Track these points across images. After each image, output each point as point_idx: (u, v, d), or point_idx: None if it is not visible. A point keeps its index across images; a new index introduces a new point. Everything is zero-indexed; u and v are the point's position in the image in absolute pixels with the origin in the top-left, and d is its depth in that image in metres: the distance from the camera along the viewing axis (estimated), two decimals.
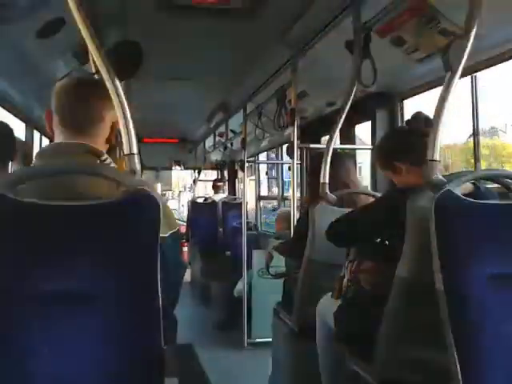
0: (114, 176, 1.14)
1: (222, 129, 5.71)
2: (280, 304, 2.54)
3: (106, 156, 1.35)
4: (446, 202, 1.20)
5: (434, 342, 1.34)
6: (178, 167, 8.05)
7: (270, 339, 2.77)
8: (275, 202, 6.16)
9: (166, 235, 1.36)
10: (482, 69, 2.28)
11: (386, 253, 1.62)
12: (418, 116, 1.67)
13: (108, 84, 1.24)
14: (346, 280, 1.76)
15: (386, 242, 1.69)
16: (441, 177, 1.30)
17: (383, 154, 1.74)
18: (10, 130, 2.08)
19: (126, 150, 1.22)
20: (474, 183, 1.54)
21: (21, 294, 1.05)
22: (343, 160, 2.38)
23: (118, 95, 1.23)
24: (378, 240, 1.73)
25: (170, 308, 1.49)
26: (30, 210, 1.07)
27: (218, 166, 7.86)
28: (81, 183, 1.18)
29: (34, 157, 1.33)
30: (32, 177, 1.11)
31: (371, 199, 2.26)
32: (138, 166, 1.24)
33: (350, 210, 2.00)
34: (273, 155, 6.31)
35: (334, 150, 2.36)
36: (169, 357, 1.11)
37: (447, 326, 1.16)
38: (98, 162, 1.32)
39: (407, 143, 1.58)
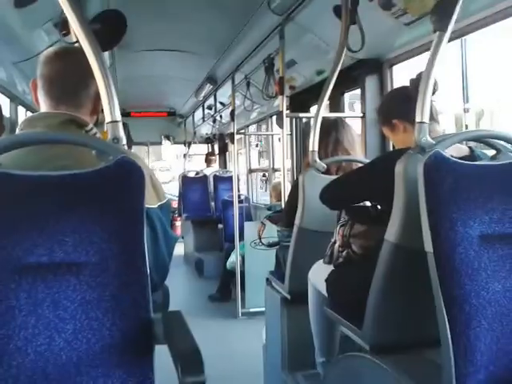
0: (96, 144, 1.12)
1: (210, 101, 5.65)
2: (272, 273, 2.55)
3: (91, 126, 1.33)
4: (434, 164, 1.19)
5: (423, 304, 1.35)
6: (167, 141, 8.00)
7: (264, 309, 2.80)
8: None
9: (155, 206, 1.34)
10: (471, 31, 2.24)
11: (378, 216, 1.62)
12: (420, 75, 1.64)
13: (88, 53, 1.22)
14: (337, 245, 1.76)
15: (378, 206, 1.68)
16: (429, 139, 1.29)
17: (383, 110, 1.74)
18: None
19: (107, 118, 1.20)
20: (469, 147, 1.53)
21: (6, 265, 1.04)
22: (348, 129, 2.36)
23: (99, 63, 1.20)
24: (370, 203, 1.73)
25: (161, 279, 1.49)
26: (10, 180, 1.05)
27: (208, 140, 7.81)
28: (62, 153, 1.16)
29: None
30: (11, 146, 1.09)
31: None
32: (121, 134, 1.21)
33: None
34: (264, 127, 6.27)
35: (327, 117, 2.34)
36: (157, 324, 1.11)
37: (437, 287, 1.17)
38: (84, 132, 1.30)
39: (406, 101, 1.56)
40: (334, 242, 1.78)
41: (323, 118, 2.27)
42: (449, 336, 1.13)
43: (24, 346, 1.05)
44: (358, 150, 2.37)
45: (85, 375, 1.08)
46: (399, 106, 1.66)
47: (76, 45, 1.95)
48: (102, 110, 1.40)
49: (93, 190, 1.10)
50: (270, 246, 2.84)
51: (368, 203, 1.76)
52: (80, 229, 1.08)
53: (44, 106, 1.34)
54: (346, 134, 2.32)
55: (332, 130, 2.28)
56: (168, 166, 12.07)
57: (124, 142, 1.26)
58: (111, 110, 1.19)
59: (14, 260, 1.04)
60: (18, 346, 1.05)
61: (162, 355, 1.09)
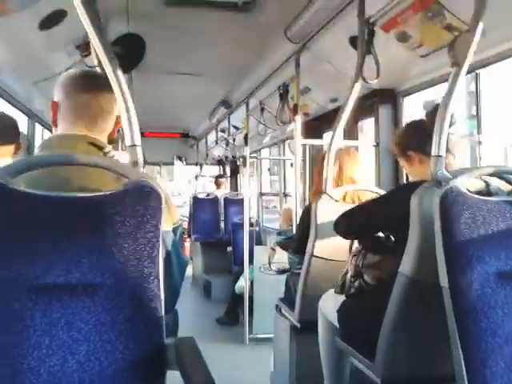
0: (116, 168, 1.13)
1: (224, 124, 5.70)
2: (282, 300, 2.53)
3: (109, 148, 1.35)
4: (450, 198, 1.19)
5: (437, 339, 1.33)
6: (180, 162, 8.04)
7: (272, 335, 2.77)
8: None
9: (169, 229, 1.35)
10: (486, 65, 2.26)
11: (391, 247, 1.61)
12: (437, 108, 1.65)
13: (110, 75, 1.24)
14: (349, 275, 1.75)
15: (391, 237, 1.68)
16: (446, 173, 1.29)
17: (400, 142, 1.75)
18: (15, 123, 2.07)
19: (128, 142, 1.21)
20: (485, 181, 1.53)
21: (22, 285, 1.05)
22: (353, 156, 2.37)
23: (120, 86, 1.22)
24: (383, 234, 1.72)
25: (172, 303, 1.49)
26: (30, 200, 1.07)
27: (220, 162, 7.85)
28: (80, 175, 1.18)
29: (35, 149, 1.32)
30: (32, 167, 1.10)
31: (375, 196, 2.25)
32: (140, 158, 1.23)
33: (352, 205, 1.99)
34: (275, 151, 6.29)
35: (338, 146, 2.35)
36: (170, 349, 1.11)
37: (452, 323, 1.15)
38: (102, 154, 1.32)
39: (422, 134, 1.57)
40: (346, 272, 1.77)
41: (327, 147, 2.28)
42: (464, 374, 1.11)
43: (37, 366, 1.05)
44: (363, 177, 2.37)
45: None
46: (415, 139, 1.66)
47: (97, 68, 2.00)
48: (118, 130, 1.42)
49: (111, 213, 1.11)
50: (280, 272, 2.83)
51: (381, 234, 1.75)
52: (96, 250, 1.09)
53: (64, 128, 1.35)
54: (350, 162, 2.32)
55: (335, 158, 2.28)
56: (180, 191, 12.04)
57: (142, 165, 1.27)
58: (132, 134, 1.21)
59: (30, 280, 1.05)
60: (32, 366, 1.05)
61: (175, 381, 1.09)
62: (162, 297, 1.13)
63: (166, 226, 1.29)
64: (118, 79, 1.23)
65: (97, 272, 1.08)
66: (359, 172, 2.33)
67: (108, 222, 1.11)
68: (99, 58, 1.27)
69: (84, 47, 2.54)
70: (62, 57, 2.73)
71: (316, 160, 2.98)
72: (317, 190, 2.32)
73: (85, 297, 1.08)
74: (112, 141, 1.43)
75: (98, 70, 1.91)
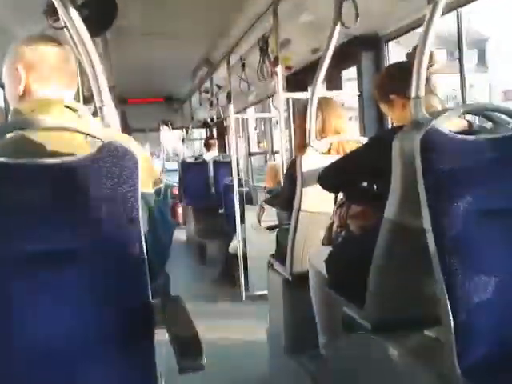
0: (86, 131, 1.10)
1: (207, 85, 5.60)
2: (273, 255, 2.55)
3: (83, 111, 1.31)
4: (431, 139, 1.17)
5: (424, 282, 1.34)
6: (165, 127, 7.95)
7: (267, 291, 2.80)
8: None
9: (151, 191, 1.33)
10: (467, 3, 2.20)
11: (374, 196, 1.61)
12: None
13: (77, 39, 1.20)
14: (335, 226, 1.75)
15: (374, 186, 1.67)
16: (426, 114, 1.27)
17: (380, 86, 1.71)
18: None
19: (98, 103, 1.18)
20: (468, 121, 1.50)
21: (4, 255, 1.03)
22: (335, 106, 2.33)
23: (87, 50, 1.19)
24: (366, 184, 1.72)
25: (161, 266, 1.48)
26: (1, 168, 1.04)
27: (206, 124, 7.77)
28: (53, 140, 1.14)
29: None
30: (3, 132, 1.07)
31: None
32: (113, 120, 1.20)
33: (337, 157, 1.97)
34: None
35: (321, 96, 2.31)
36: (157, 309, 1.11)
37: (436, 264, 1.16)
38: (77, 116, 1.28)
39: (404, 75, 1.53)
40: (332, 223, 1.77)
41: (305, 100, 2.25)
42: (450, 312, 1.13)
43: (24, 332, 1.05)
44: (347, 127, 2.34)
45: (86, 361, 1.09)
46: (397, 82, 1.62)
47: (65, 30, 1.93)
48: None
49: (85, 177, 1.08)
50: (270, 228, 2.84)
51: (364, 183, 1.75)
52: (74, 216, 1.08)
53: (37, 90, 1.31)
54: (334, 113, 2.29)
55: (317, 110, 2.25)
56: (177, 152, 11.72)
57: (117, 126, 1.24)
58: (100, 95, 1.18)
59: (9, 249, 1.04)
60: (18, 333, 1.05)
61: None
62: (145, 259, 1.12)
63: (147, 187, 1.27)
64: (83, 41, 1.20)
65: (76, 237, 1.07)
66: (343, 123, 2.30)
67: (84, 186, 1.08)
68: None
69: (52, 12, 2.44)
70: (30, 24, 2.63)
71: (297, 113, 2.93)
72: (300, 143, 2.29)
73: (66, 263, 1.07)
74: (84, 98, 1.40)
75: (66, 32, 1.85)
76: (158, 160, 9.41)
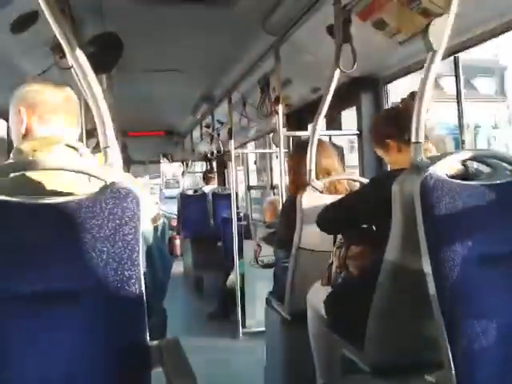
0: (90, 171, 1.11)
1: (208, 120, 5.67)
2: (272, 293, 2.53)
3: (84, 149, 1.33)
4: (430, 184, 1.19)
5: (424, 325, 1.33)
6: (166, 160, 8.00)
7: (264, 328, 2.77)
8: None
9: (150, 228, 1.34)
10: (465, 49, 2.26)
11: (373, 237, 1.61)
12: (413, 94, 1.65)
13: (82, 77, 1.22)
14: (334, 267, 1.75)
15: (373, 227, 1.68)
16: (425, 159, 1.29)
17: (376, 131, 1.74)
18: None
19: (102, 144, 1.19)
20: (464, 165, 1.53)
21: (3, 294, 1.03)
22: (326, 147, 2.37)
23: (92, 88, 1.20)
24: (365, 225, 1.72)
25: (159, 303, 1.48)
26: (2, 207, 1.04)
27: (206, 158, 7.82)
28: (55, 180, 1.16)
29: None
30: (4, 172, 1.08)
31: (356, 185, 2.25)
32: (116, 160, 1.21)
33: (335, 196, 1.99)
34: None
35: (319, 137, 2.34)
36: (154, 351, 1.10)
37: (437, 309, 1.15)
38: (79, 156, 1.30)
39: (399, 121, 1.56)
40: (332, 263, 1.77)
41: (298, 139, 2.28)
42: (450, 358, 1.12)
43: (20, 375, 1.03)
44: (338, 167, 2.37)
45: None
46: (392, 127, 1.65)
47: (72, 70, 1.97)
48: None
49: (88, 217, 1.09)
50: (267, 266, 2.83)
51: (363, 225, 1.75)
52: (75, 256, 1.08)
53: (39, 130, 1.34)
54: (324, 153, 2.32)
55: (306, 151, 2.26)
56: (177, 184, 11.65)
57: (120, 166, 1.26)
58: (105, 136, 1.19)
59: (6, 289, 1.03)
60: (15, 376, 1.03)
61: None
62: (144, 299, 1.11)
63: (145, 225, 1.28)
64: (89, 81, 1.21)
65: (76, 278, 1.07)
66: (333, 163, 2.33)
67: (85, 227, 1.09)
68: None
69: (59, 49, 2.50)
70: (37, 60, 2.69)
71: (291, 153, 2.96)
72: (294, 183, 2.31)
73: (65, 303, 1.06)
74: (98, 142, 1.42)
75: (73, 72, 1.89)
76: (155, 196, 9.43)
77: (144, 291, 1.12)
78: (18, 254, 1.05)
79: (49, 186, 1.15)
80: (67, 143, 1.31)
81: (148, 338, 1.11)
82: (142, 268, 1.14)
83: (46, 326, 1.06)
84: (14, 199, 1.05)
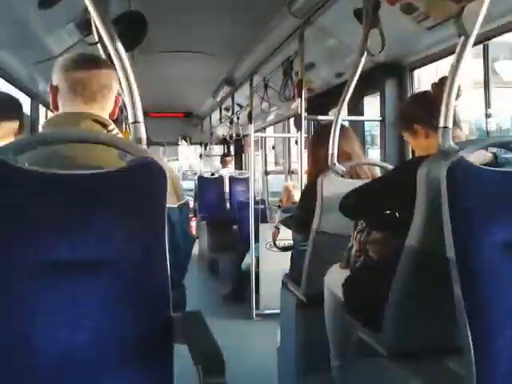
0: (119, 144, 1.13)
1: (228, 103, 5.66)
2: (288, 275, 2.55)
3: (113, 126, 1.34)
4: (457, 170, 1.18)
5: (444, 311, 1.33)
6: (184, 142, 8.03)
7: (278, 311, 2.79)
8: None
9: (175, 206, 1.35)
10: (495, 36, 2.22)
11: (396, 224, 1.61)
12: (443, 80, 1.63)
13: (112, 52, 1.22)
14: (354, 250, 1.75)
15: (397, 214, 1.67)
16: (453, 144, 1.28)
17: (404, 115, 1.72)
18: (18, 102, 2.06)
19: (131, 119, 1.20)
20: (493, 153, 1.51)
21: (27, 263, 1.05)
22: (347, 131, 2.35)
23: (122, 62, 1.21)
24: (388, 211, 1.72)
25: (179, 278, 1.50)
26: (33, 178, 1.06)
27: (224, 141, 7.83)
28: (83, 153, 1.17)
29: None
30: (35, 144, 1.10)
31: (377, 169, 2.24)
32: (143, 135, 1.22)
33: (357, 181, 1.98)
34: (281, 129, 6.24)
35: (324, 123, 2.33)
36: (177, 323, 1.11)
37: (459, 294, 1.15)
38: (105, 131, 1.31)
39: (429, 106, 1.54)
40: (351, 247, 1.77)
41: (320, 123, 2.27)
42: (471, 344, 1.12)
43: (45, 344, 1.06)
44: (359, 152, 2.36)
45: (105, 372, 1.09)
46: (421, 111, 1.63)
47: (98, 46, 1.98)
48: (122, 110, 1.41)
49: (116, 190, 1.11)
50: (285, 249, 2.84)
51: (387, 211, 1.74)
52: (102, 227, 1.09)
53: (65, 107, 1.35)
54: (345, 138, 2.31)
55: (326, 136, 2.25)
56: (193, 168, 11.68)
57: (145, 142, 1.27)
58: (134, 112, 1.20)
59: (34, 257, 1.05)
60: (40, 345, 1.05)
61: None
62: (168, 272, 1.13)
63: (171, 202, 1.29)
64: (119, 56, 1.21)
65: (102, 249, 1.09)
66: (353, 147, 2.32)
67: (112, 200, 1.11)
68: (100, 35, 1.26)
69: (85, 26, 2.50)
70: (63, 36, 2.70)
71: (313, 136, 2.95)
72: (314, 167, 2.31)
73: (90, 273, 1.08)
74: (114, 120, 1.42)
75: (99, 48, 1.90)
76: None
77: (168, 265, 1.14)
78: (47, 223, 1.06)
79: (78, 160, 1.16)
80: (95, 118, 1.32)
81: (171, 310, 1.13)
82: (167, 243, 1.15)
83: (71, 295, 1.08)
84: (45, 170, 1.07)
